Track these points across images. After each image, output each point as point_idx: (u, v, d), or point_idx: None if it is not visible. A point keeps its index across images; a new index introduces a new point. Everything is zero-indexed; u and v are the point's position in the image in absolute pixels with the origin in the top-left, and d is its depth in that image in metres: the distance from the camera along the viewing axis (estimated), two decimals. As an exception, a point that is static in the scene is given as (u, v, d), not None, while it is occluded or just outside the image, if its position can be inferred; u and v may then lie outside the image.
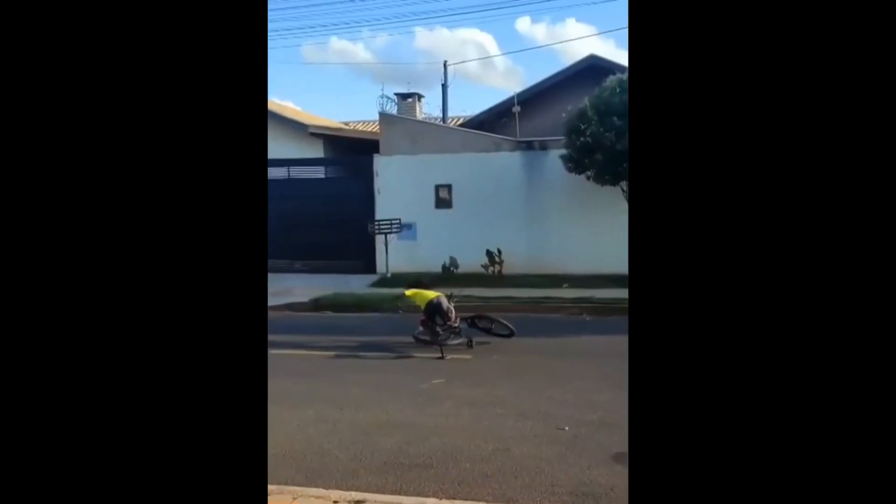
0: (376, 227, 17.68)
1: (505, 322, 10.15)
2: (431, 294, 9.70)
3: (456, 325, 9.79)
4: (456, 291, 11.31)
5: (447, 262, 17.41)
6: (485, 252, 17.40)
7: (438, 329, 9.58)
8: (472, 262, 17.26)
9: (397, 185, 18.55)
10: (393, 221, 17.88)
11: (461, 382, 7.87)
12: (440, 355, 9.07)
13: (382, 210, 18.78)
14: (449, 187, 18.85)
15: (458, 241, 17.98)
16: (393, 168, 18.61)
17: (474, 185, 18.15)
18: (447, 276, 16.96)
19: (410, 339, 9.83)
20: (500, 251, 17.22)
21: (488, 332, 10.17)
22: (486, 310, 11.88)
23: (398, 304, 12.10)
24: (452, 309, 9.69)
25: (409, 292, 10.07)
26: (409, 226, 18.75)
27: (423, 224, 18.62)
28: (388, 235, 17.62)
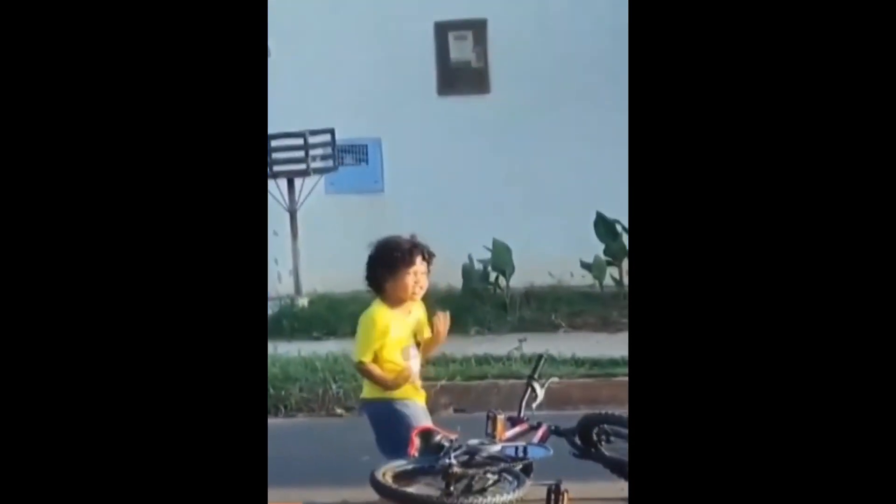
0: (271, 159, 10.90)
1: None
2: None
3: (510, 447, 5.73)
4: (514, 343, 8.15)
5: (478, 258, 9.36)
6: (593, 225, 9.55)
7: (452, 462, 5.78)
8: (547, 253, 9.27)
9: (321, 37, 10.28)
10: (308, 137, 9.53)
11: None
12: None
13: (281, 108, 9.26)
14: (474, 33, 10.00)
15: (507, 196, 10.03)
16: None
17: (544, 28, 10.36)
18: (481, 297, 9.29)
19: (369, 495, 5.96)
20: (625, 228, 9.58)
21: (612, 467, 6.03)
22: (596, 395, 7.41)
23: (341, 386, 7.58)
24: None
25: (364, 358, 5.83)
26: (358, 149, 9.85)
27: (401, 144, 9.99)
28: (295, 183, 9.50)
